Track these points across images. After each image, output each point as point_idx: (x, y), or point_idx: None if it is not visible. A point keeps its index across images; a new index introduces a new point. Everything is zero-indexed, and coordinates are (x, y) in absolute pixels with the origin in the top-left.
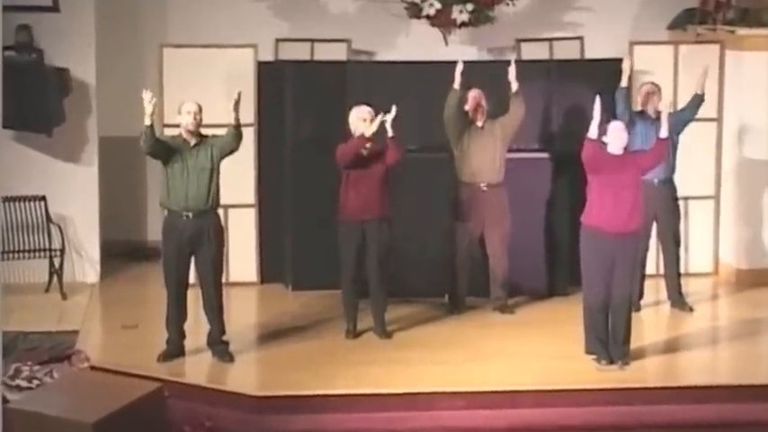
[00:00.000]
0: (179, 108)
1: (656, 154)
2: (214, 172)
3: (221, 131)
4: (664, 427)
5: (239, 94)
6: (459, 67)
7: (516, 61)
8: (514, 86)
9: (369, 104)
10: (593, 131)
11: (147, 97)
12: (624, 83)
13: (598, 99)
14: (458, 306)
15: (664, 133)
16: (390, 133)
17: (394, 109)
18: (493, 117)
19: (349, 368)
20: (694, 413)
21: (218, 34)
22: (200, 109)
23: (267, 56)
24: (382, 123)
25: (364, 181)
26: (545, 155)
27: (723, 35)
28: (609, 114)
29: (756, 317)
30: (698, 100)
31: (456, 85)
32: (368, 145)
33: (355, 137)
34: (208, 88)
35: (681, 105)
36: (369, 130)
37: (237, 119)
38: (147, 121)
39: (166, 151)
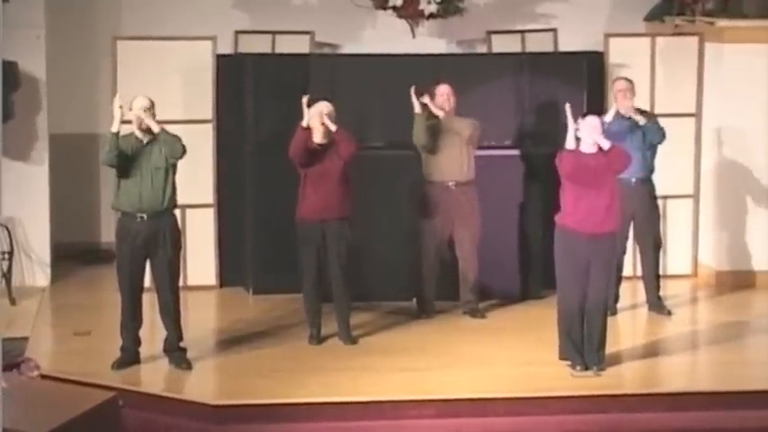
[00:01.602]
0: (130, 104)
1: (621, 156)
2: (169, 171)
3: (178, 128)
4: None
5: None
6: (413, 91)
7: (487, 54)
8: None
9: (329, 99)
10: (569, 142)
11: (118, 102)
12: (609, 118)
13: (568, 107)
14: (426, 310)
15: (604, 144)
16: (332, 128)
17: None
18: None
19: (312, 375)
20: (672, 420)
21: (174, 26)
22: (153, 104)
23: (226, 49)
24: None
25: (323, 179)
26: (517, 152)
27: (702, 27)
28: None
29: (736, 320)
30: (654, 129)
31: (417, 110)
32: (321, 142)
33: (298, 130)
34: (164, 83)
35: (659, 98)
36: (319, 129)
37: (156, 124)
38: (115, 128)
39: (125, 157)
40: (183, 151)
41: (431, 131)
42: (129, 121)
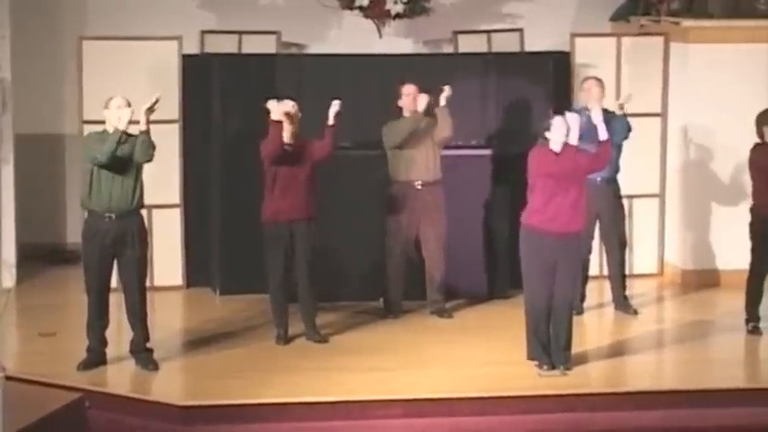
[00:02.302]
0: (107, 103)
1: (599, 158)
2: (138, 171)
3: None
4: None
5: (158, 99)
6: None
7: (453, 54)
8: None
9: (297, 99)
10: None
11: (121, 103)
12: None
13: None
14: (393, 310)
15: (603, 135)
16: (331, 121)
17: (335, 105)
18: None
19: (280, 375)
20: (638, 419)
21: (140, 26)
22: (129, 104)
23: (192, 49)
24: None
25: (290, 180)
26: (483, 151)
27: (667, 27)
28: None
29: (701, 319)
30: (621, 122)
31: (421, 107)
32: (290, 142)
33: (271, 126)
34: (130, 83)
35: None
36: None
37: (147, 124)
38: (122, 126)
39: (113, 157)
40: (151, 158)
41: (410, 135)
42: (137, 122)
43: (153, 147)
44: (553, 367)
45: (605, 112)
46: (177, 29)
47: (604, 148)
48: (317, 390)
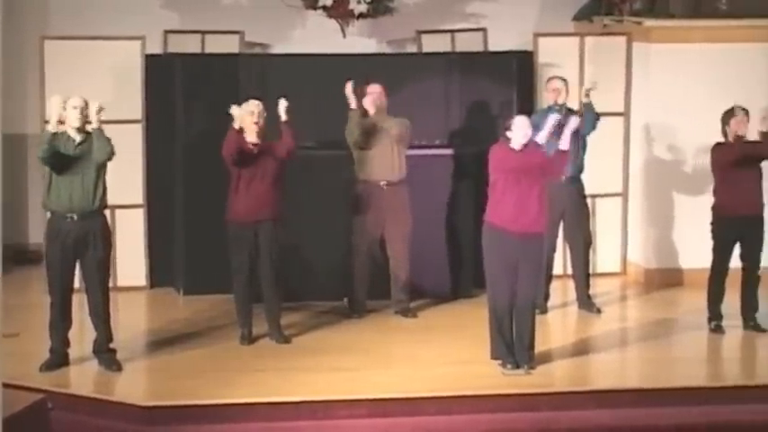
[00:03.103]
0: (63, 103)
1: (555, 167)
2: (100, 171)
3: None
4: None
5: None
6: (349, 87)
7: (417, 54)
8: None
9: (260, 99)
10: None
11: (57, 102)
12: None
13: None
14: (357, 310)
15: (564, 145)
16: (284, 117)
17: (283, 102)
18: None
19: (244, 375)
20: (602, 418)
21: (103, 26)
22: (87, 104)
23: (155, 48)
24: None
25: (255, 181)
26: (447, 151)
27: (630, 27)
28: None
29: (665, 318)
30: (590, 113)
31: (353, 106)
32: (254, 142)
33: (231, 130)
34: (93, 83)
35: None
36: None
37: (99, 123)
38: (53, 128)
39: (60, 156)
40: (110, 156)
41: (363, 129)
42: (63, 122)
43: (108, 144)
44: (517, 366)
45: (569, 110)
46: (140, 29)
47: (562, 157)
48: (281, 390)
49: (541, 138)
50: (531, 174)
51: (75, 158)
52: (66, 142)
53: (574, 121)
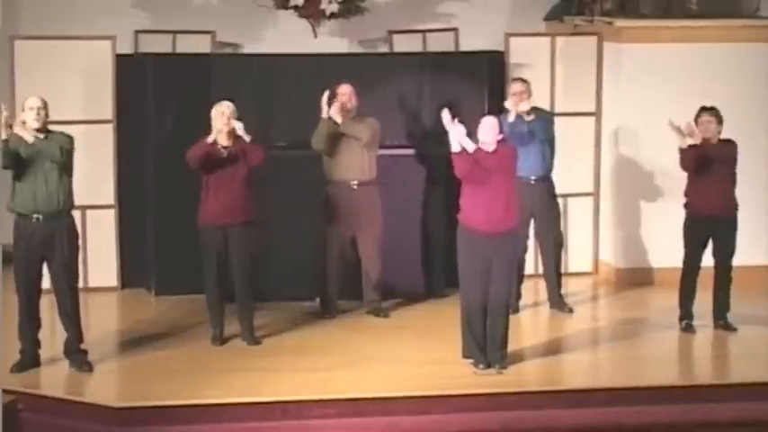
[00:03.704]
0: (22, 104)
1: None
2: (64, 171)
3: (75, 129)
4: None
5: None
6: (325, 97)
7: (388, 54)
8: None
9: (233, 101)
10: (454, 146)
11: (32, 104)
12: (511, 119)
13: (445, 112)
14: (329, 310)
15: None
16: (247, 139)
17: (240, 123)
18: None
19: (216, 376)
20: (574, 417)
21: (73, 25)
22: (45, 104)
23: (126, 49)
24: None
25: (226, 184)
26: (419, 151)
27: (601, 27)
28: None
29: (636, 317)
30: (543, 123)
31: (324, 114)
32: (225, 144)
33: (203, 141)
34: (63, 83)
35: (559, 97)
36: (222, 131)
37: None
38: (3, 135)
39: (17, 158)
40: (62, 155)
41: (331, 137)
42: (10, 125)
43: (57, 145)
44: (488, 366)
45: (536, 109)
46: (111, 29)
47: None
48: (252, 390)
49: (454, 146)
50: (501, 173)
51: (36, 160)
52: (18, 143)
53: (511, 116)
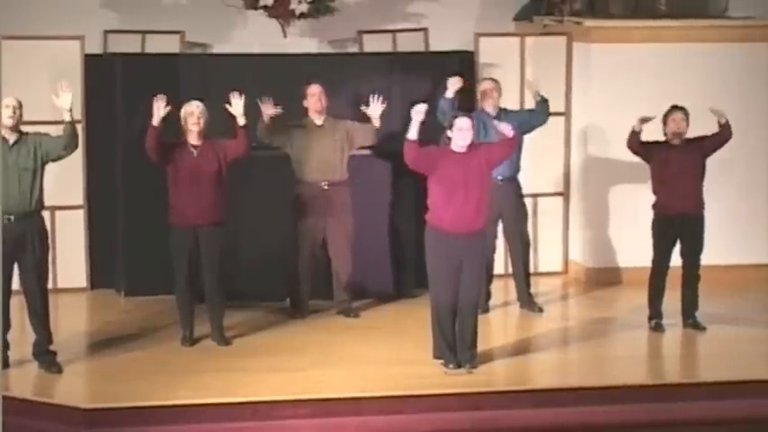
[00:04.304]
0: None
1: (507, 146)
2: (38, 172)
3: (46, 129)
4: None
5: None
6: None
7: (358, 54)
8: (376, 123)
9: (202, 100)
10: (411, 134)
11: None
12: (449, 95)
13: (422, 107)
14: (300, 310)
15: (508, 132)
16: (241, 122)
17: (239, 99)
18: (335, 116)
19: (186, 377)
20: (543, 416)
21: (41, 25)
22: (20, 104)
23: (95, 48)
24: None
25: (196, 184)
26: (389, 151)
27: (570, 26)
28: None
29: (605, 316)
30: (543, 105)
31: (265, 119)
32: (195, 144)
33: (148, 126)
34: (32, 83)
35: (528, 97)
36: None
37: (72, 117)
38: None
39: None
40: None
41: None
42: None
43: (73, 142)
44: (459, 366)
45: (504, 111)
46: (79, 28)
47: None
48: (223, 391)
49: (507, 130)
50: (470, 175)
51: (10, 160)
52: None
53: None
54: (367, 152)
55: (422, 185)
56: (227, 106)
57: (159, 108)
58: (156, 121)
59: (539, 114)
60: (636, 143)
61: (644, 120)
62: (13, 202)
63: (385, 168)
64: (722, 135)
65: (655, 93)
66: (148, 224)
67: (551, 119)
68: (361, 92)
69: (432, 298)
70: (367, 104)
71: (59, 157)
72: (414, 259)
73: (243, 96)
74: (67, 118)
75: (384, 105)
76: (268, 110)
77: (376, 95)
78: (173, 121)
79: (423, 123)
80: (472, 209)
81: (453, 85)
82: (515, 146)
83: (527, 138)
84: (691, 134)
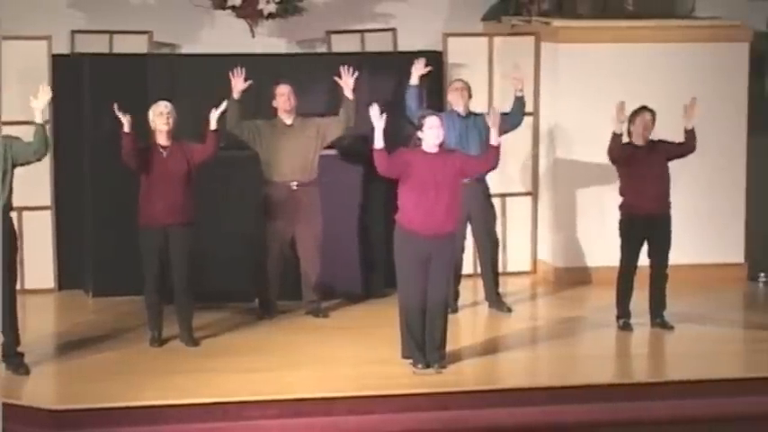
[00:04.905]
0: None
1: (488, 161)
2: (7, 174)
3: (12, 130)
4: (484, 431)
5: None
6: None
7: (327, 54)
8: (349, 95)
9: (170, 100)
10: (378, 143)
11: None
12: (414, 81)
13: (374, 108)
14: (268, 311)
15: (495, 140)
16: (213, 126)
17: (225, 104)
18: (305, 115)
19: (154, 378)
20: (514, 416)
21: (8, 25)
22: None
23: (62, 48)
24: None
25: (166, 184)
26: (357, 151)
27: (538, 27)
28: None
29: (574, 316)
30: (520, 104)
31: (235, 95)
32: (165, 144)
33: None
34: None
35: (497, 97)
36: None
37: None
38: None
39: None
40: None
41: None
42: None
43: (44, 146)
44: (427, 366)
45: (473, 114)
46: (47, 28)
47: (494, 152)
48: (192, 392)
49: (378, 142)
50: (442, 177)
51: None
52: None
53: (494, 124)
54: (335, 152)
55: (392, 185)
56: (214, 110)
57: (123, 115)
58: (127, 127)
59: (514, 115)
60: (619, 148)
61: (620, 115)
62: None
63: (354, 168)
64: (687, 146)
65: (622, 93)
66: (116, 225)
67: None
68: (329, 92)
69: (400, 298)
70: (339, 77)
71: (28, 162)
72: (383, 259)
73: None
74: (39, 120)
75: (356, 75)
76: (238, 84)
77: (347, 67)
78: (141, 123)
79: (388, 126)
80: (442, 211)
81: (418, 69)
82: (495, 164)
83: None
84: (657, 133)
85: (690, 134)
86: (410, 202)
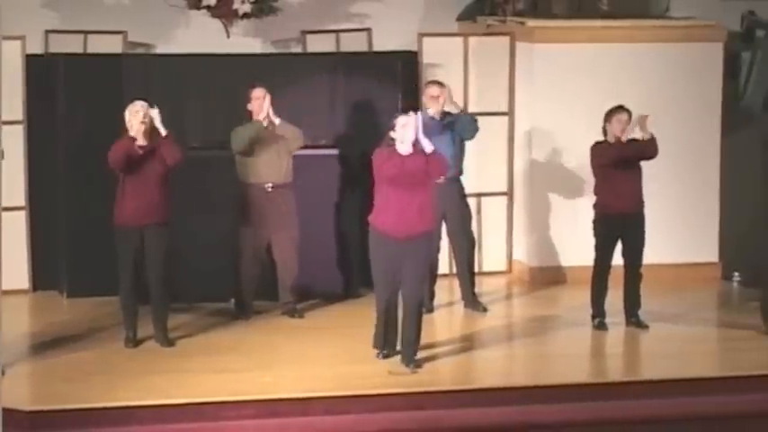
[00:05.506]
0: None
1: (437, 167)
2: None
3: None
4: (459, 431)
5: None
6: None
7: (302, 54)
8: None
9: (146, 100)
10: (427, 147)
11: None
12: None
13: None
14: (244, 311)
15: (428, 147)
16: (163, 132)
17: (155, 110)
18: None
19: (130, 379)
20: (489, 415)
21: None
22: None
23: (36, 48)
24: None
25: (142, 184)
26: (332, 152)
27: (513, 27)
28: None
29: (549, 315)
30: (464, 118)
31: (261, 117)
32: (142, 144)
33: (124, 137)
34: None
35: (472, 97)
36: (139, 130)
37: None
38: None
39: None
40: None
41: (255, 140)
42: None
43: None
44: (388, 355)
45: (448, 114)
46: (20, 28)
47: (438, 158)
48: (168, 392)
49: (427, 146)
50: (414, 178)
51: None
52: None
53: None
54: (312, 152)
55: (366, 185)
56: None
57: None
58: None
59: (463, 130)
60: (610, 156)
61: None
62: None
63: (329, 168)
64: (648, 151)
65: (597, 92)
66: (91, 225)
67: (495, 119)
68: (304, 92)
69: (376, 299)
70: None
71: None
72: (359, 259)
73: (156, 107)
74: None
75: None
76: (265, 107)
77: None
78: (116, 123)
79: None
80: (415, 212)
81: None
82: (444, 170)
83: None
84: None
85: (650, 142)
86: (384, 202)
